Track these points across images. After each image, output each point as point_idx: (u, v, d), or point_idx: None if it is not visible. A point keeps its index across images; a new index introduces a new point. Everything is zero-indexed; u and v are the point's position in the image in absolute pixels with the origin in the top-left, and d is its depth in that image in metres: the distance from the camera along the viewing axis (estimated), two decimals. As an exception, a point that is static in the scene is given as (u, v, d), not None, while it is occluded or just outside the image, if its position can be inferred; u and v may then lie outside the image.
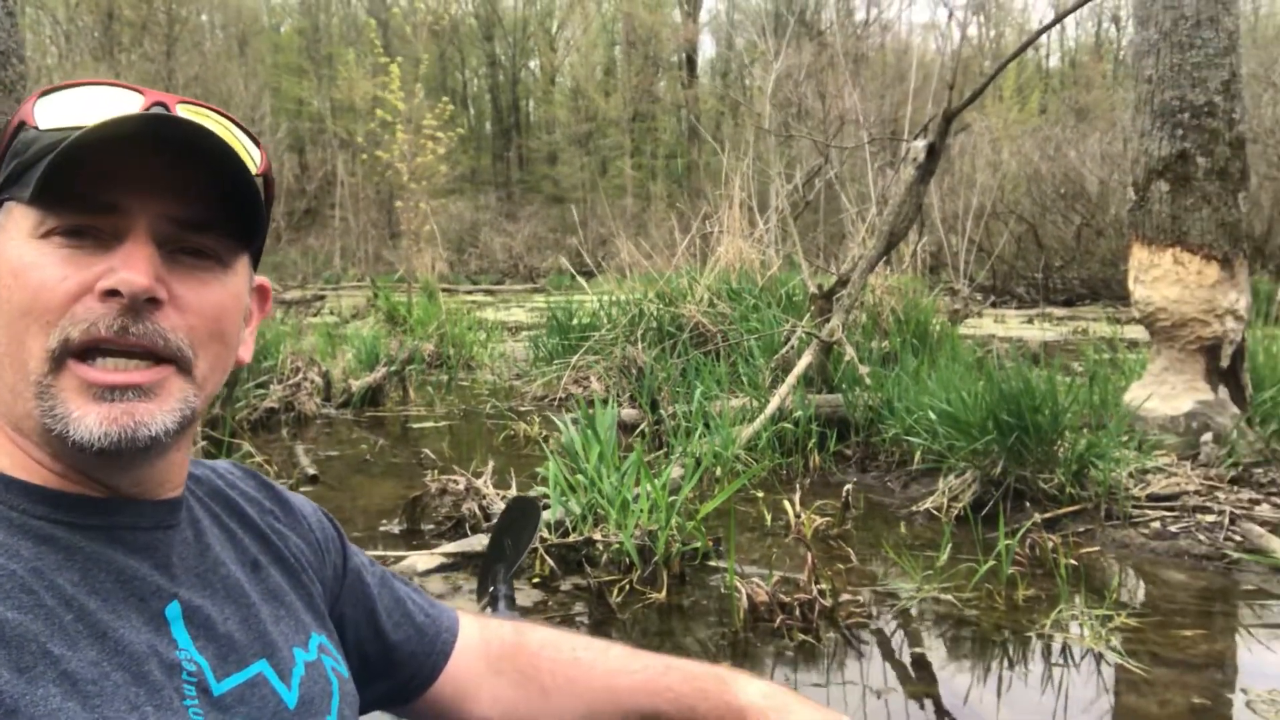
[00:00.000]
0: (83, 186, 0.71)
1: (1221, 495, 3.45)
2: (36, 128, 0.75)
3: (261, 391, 5.62)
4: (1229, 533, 3.16)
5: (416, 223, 12.96)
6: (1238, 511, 3.30)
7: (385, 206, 27.97)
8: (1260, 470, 3.72)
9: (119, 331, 0.70)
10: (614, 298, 6.99)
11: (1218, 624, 2.63)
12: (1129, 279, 4.33)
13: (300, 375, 5.92)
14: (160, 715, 0.68)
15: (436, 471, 3.77)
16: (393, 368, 6.42)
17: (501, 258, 27.07)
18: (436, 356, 7.91)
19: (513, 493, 3.43)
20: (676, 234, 8.03)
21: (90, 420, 0.70)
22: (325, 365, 6.25)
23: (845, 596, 2.62)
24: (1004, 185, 15.18)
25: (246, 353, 0.86)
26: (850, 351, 4.63)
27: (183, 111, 0.78)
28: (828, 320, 4.89)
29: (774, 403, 4.27)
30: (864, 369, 4.54)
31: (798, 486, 3.64)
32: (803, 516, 3.30)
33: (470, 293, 19.27)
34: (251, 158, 0.82)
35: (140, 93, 0.77)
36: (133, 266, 0.70)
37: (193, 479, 0.87)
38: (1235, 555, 3.02)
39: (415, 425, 5.65)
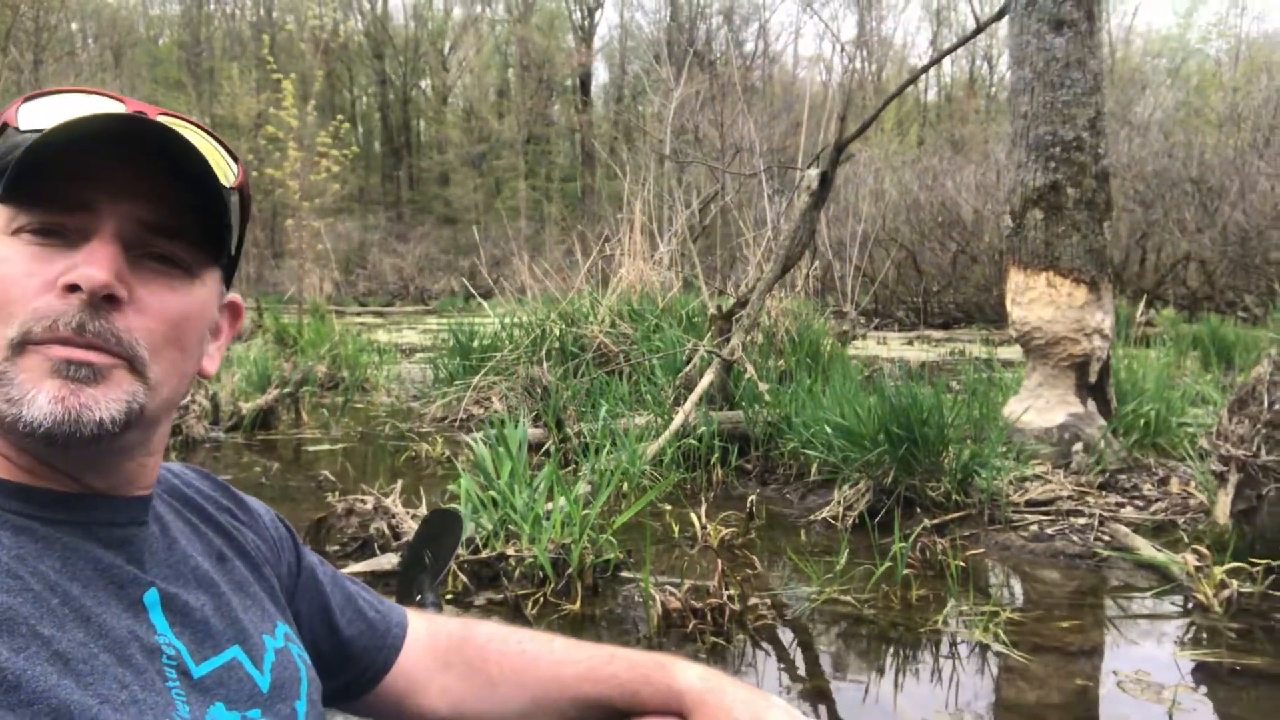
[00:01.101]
0: (54, 185, 0.72)
1: (1091, 500, 3.72)
2: (18, 129, 0.76)
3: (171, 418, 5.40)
4: (1098, 533, 3.42)
5: (306, 243, 12.65)
6: (1106, 514, 3.57)
7: (267, 225, 27.12)
8: (1124, 476, 4.03)
9: (77, 328, 0.71)
10: (516, 318, 7.01)
11: (1090, 616, 2.85)
12: (1006, 300, 4.63)
13: (187, 397, 5.72)
14: (147, 694, 0.71)
15: (338, 493, 3.72)
16: (285, 389, 6.26)
17: (392, 279, 26.58)
18: (330, 379, 7.75)
19: (423, 511, 3.43)
20: (578, 256, 8.10)
21: (41, 399, 0.71)
22: (213, 387, 6.06)
23: (753, 601, 2.73)
24: (886, 214, 15.84)
25: (211, 365, 0.87)
26: (751, 369, 4.79)
27: (161, 120, 0.80)
28: (728, 340, 5.04)
29: (678, 419, 4.38)
30: (763, 386, 4.71)
31: (703, 500, 3.75)
32: (709, 527, 3.42)
33: (360, 314, 18.87)
34: (228, 170, 0.84)
35: (122, 101, 0.79)
36: (94, 263, 0.72)
37: None
38: (1104, 553, 3.27)
39: (310, 448, 5.53)
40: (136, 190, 0.74)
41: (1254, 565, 2.90)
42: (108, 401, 0.73)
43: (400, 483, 3.71)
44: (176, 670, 0.75)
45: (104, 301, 0.72)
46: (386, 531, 3.27)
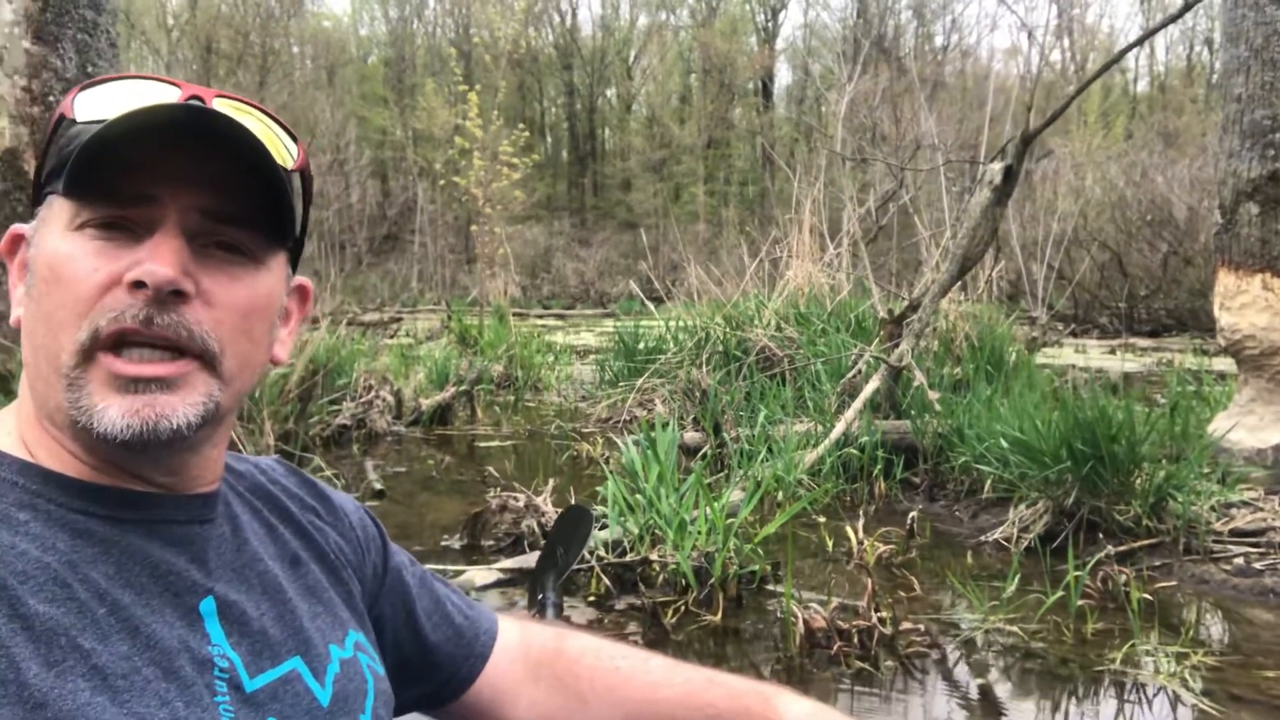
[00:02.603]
0: (115, 178, 0.71)
1: (1313, 532, 3.27)
2: (75, 120, 0.75)
3: (335, 408, 5.76)
4: (1320, 572, 2.99)
5: (491, 248, 13.18)
6: (1330, 550, 3.12)
7: (462, 232, 28.54)
8: (1356, 507, 3.52)
9: (144, 322, 0.70)
10: (681, 322, 6.99)
11: (1305, 667, 2.49)
12: (1215, 305, 4.16)
13: (373, 393, 6.05)
14: (190, 711, 0.68)
15: (499, 489, 3.80)
16: (461, 387, 6.51)
17: (573, 283, 27.32)
18: (505, 378, 8.02)
19: (572, 511, 3.44)
20: (745, 258, 7.99)
21: (113, 412, 0.70)
22: (397, 384, 6.38)
23: (906, 625, 2.55)
24: (1087, 212, 14.77)
25: (283, 351, 0.85)
26: (920, 377, 4.53)
27: (219, 105, 0.78)
28: (897, 345, 4.80)
29: (840, 427, 4.20)
30: (934, 395, 4.44)
31: (861, 513, 3.56)
32: (865, 543, 3.24)
33: (541, 317, 19.50)
34: (288, 153, 0.82)
35: (178, 86, 0.78)
36: (159, 258, 0.70)
37: (234, 474, 0.88)
38: (1327, 596, 2.86)
39: (481, 444, 5.72)
40: (198, 179, 0.73)
41: None
42: (186, 407, 0.72)
43: (553, 481, 3.75)
44: (228, 684, 0.73)
45: (171, 296, 0.71)
46: (536, 529, 3.31)
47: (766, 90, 39.70)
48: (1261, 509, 3.45)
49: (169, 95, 0.77)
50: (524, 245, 25.66)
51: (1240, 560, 3.13)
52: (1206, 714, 2.16)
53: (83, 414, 0.71)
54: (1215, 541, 3.24)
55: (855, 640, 2.45)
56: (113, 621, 0.68)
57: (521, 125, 14.79)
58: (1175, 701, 2.23)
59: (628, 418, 6.00)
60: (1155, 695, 2.27)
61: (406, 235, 29.72)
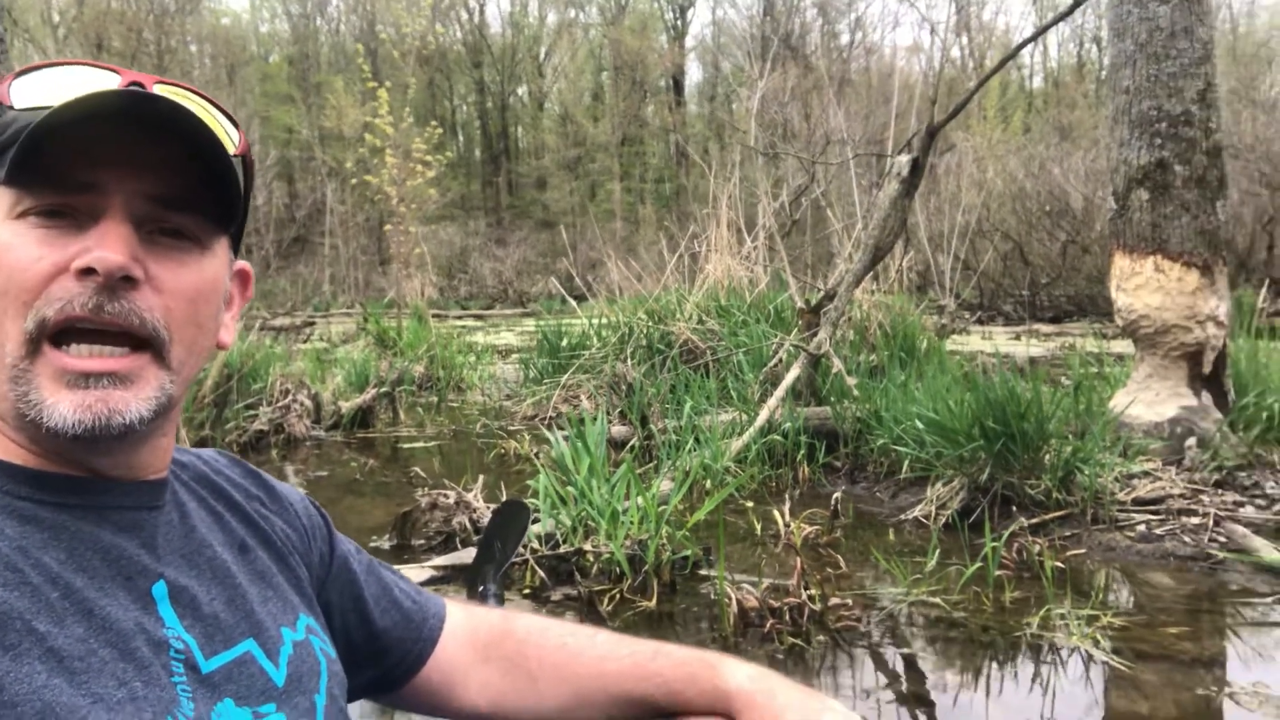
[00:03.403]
0: (58, 165, 0.70)
1: (1206, 498, 3.48)
2: (12, 107, 0.74)
3: (251, 413, 5.62)
4: (1213, 534, 3.19)
5: (406, 248, 12.99)
6: (1222, 513, 3.33)
7: (374, 233, 28.00)
8: (1243, 473, 3.76)
9: (94, 310, 0.70)
10: (604, 318, 7.02)
11: (1203, 623, 2.65)
12: (1111, 287, 4.38)
13: (290, 397, 5.91)
14: (149, 691, 0.68)
15: (428, 488, 3.77)
16: (383, 389, 6.42)
17: (491, 282, 27.08)
18: (426, 378, 7.92)
19: (503, 506, 3.44)
20: (665, 254, 8.07)
21: (63, 407, 0.69)
22: (315, 388, 6.25)
23: (834, 601, 2.63)
24: (989, 204, 15.30)
25: (228, 336, 0.85)
26: (838, 364, 4.66)
27: (160, 90, 0.77)
28: (815, 334, 4.92)
29: (763, 415, 4.29)
30: (852, 381, 4.57)
31: (787, 497, 3.65)
32: (792, 525, 3.33)
33: (460, 317, 19.28)
34: (230, 138, 0.82)
35: (117, 72, 0.77)
36: (109, 245, 0.70)
37: (178, 465, 0.88)
38: (1220, 556, 3.05)
39: (405, 446, 5.65)
40: (142, 166, 0.73)
41: (1392, 569, 2.65)
42: (138, 402, 0.72)
43: (484, 478, 3.74)
44: (184, 664, 0.73)
45: (120, 283, 0.71)
46: (468, 525, 3.30)
47: (678, 87, 39.99)
48: (1160, 478, 3.66)
49: (108, 81, 0.76)
50: (439, 245, 25.31)
51: (1143, 527, 3.31)
52: (1116, 671, 2.29)
53: (31, 408, 0.70)
54: (1120, 510, 3.42)
55: (787, 618, 2.52)
56: (67, 605, 0.67)
57: (434, 123, 14.60)
58: (1088, 661, 2.36)
59: (553, 414, 6.00)
60: (1070, 656, 2.39)
61: (316, 237, 29.01)
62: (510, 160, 42.90)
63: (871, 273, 5.63)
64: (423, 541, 3.40)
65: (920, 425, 3.84)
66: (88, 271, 0.70)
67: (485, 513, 3.31)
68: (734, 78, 31.53)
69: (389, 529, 3.52)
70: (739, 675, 1.00)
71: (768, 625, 2.50)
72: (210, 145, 0.74)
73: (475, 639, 1.08)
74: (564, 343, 7.08)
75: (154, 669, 0.70)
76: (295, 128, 31.88)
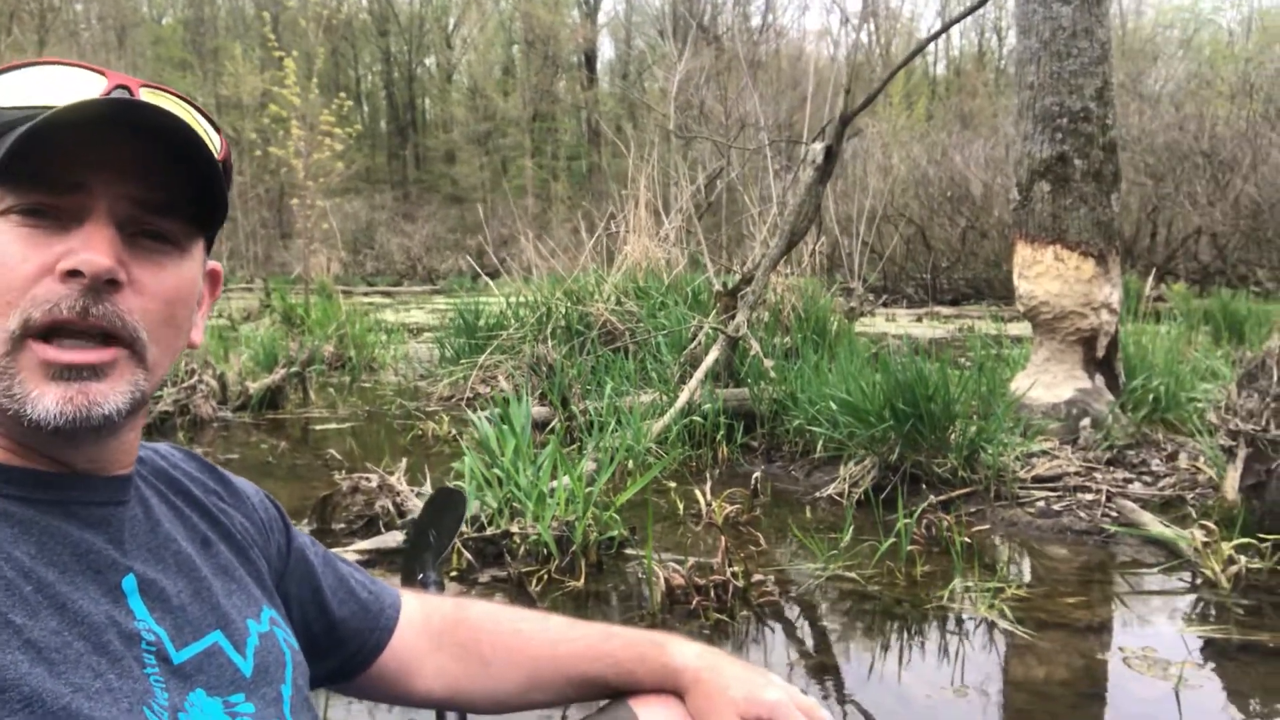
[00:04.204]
0: (46, 166, 0.71)
1: (1099, 475, 3.70)
2: None
3: (154, 395, 5.43)
4: (1105, 509, 3.40)
5: (312, 222, 12.64)
6: (1113, 490, 3.55)
7: (275, 206, 27.12)
8: (1132, 451, 4.01)
9: (80, 313, 0.71)
10: (521, 297, 6.99)
11: (1096, 592, 2.84)
12: (1014, 275, 4.59)
13: (195, 378, 5.73)
14: (123, 682, 0.70)
15: (345, 472, 3.73)
16: (293, 369, 6.27)
17: (399, 259, 26.55)
18: (337, 358, 7.77)
19: (427, 489, 3.43)
20: (583, 233, 8.06)
21: (47, 400, 0.71)
22: (220, 367, 6.07)
23: (757, 577, 2.72)
24: (894, 189, 15.73)
25: (198, 335, 0.87)
26: (755, 346, 4.76)
27: (145, 95, 0.79)
28: (733, 317, 5.01)
29: (683, 397, 4.37)
30: (768, 363, 4.68)
31: (708, 477, 3.74)
32: (713, 505, 3.41)
33: (367, 294, 18.87)
34: (212, 143, 0.83)
35: (102, 73, 0.78)
36: (95, 248, 0.71)
37: (138, 460, 0.88)
38: (1111, 530, 3.25)
39: (318, 427, 5.55)
40: (128, 170, 0.74)
41: (1262, 541, 2.88)
42: (116, 395, 0.73)
43: (405, 461, 3.71)
44: (156, 656, 0.74)
45: (105, 286, 0.72)
46: (391, 509, 3.28)
47: (590, 64, 39.75)
48: (1058, 457, 3.87)
49: (94, 82, 0.78)
50: (344, 219, 24.66)
51: (1042, 504, 3.51)
52: (1018, 639, 2.43)
53: (14, 402, 0.71)
54: (1020, 488, 3.62)
55: (712, 594, 2.60)
56: (40, 598, 0.69)
57: (343, 94, 14.19)
58: (992, 630, 2.50)
59: (471, 395, 5.97)
60: (977, 627, 2.53)
61: (214, 209, 27.82)
62: (418, 133, 42.01)
63: (785, 256, 5.75)
64: (344, 525, 3.37)
65: (834, 406, 3.97)
66: (74, 274, 0.71)
67: (409, 496, 3.30)
68: (649, 55, 31.49)
69: (308, 513, 3.47)
70: (686, 653, 1.06)
71: (694, 602, 2.57)
72: (197, 151, 0.76)
73: (429, 627, 1.11)
74: (480, 322, 7.03)
75: (126, 661, 0.71)
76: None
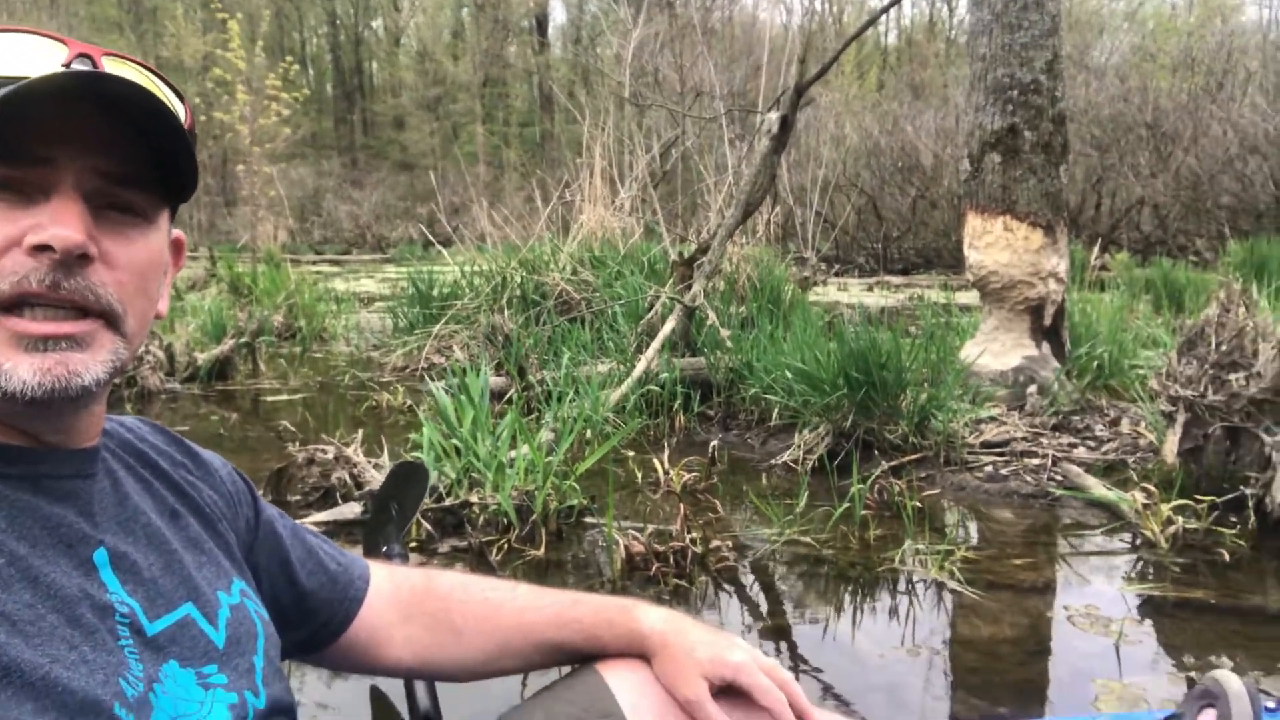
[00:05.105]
0: (11, 139, 0.70)
1: (1045, 440, 3.81)
2: None
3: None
4: (1051, 473, 3.51)
5: (258, 189, 12.37)
6: (1059, 454, 3.66)
7: (218, 172, 26.42)
8: (1077, 417, 4.12)
9: (50, 286, 0.70)
10: (476, 266, 6.94)
11: (1042, 553, 2.93)
12: (964, 245, 4.67)
13: (141, 348, 5.61)
14: (97, 655, 0.70)
15: (299, 443, 3.69)
16: (242, 339, 6.17)
17: (348, 226, 26.10)
18: (287, 329, 7.65)
19: (384, 460, 3.42)
20: (537, 202, 8.00)
21: (23, 371, 0.70)
22: (167, 338, 5.95)
23: (715, 543, 2.77)
24: (846, 159, 15.82)
25: (164, 305, 0.87)
26: (712, 316, 4.80)
27: (109, 65, 0.78)
28: (689, 287, 5.04)
29: (641, 366, 4.39)
30: (725, 332, 4.72)
31: (665, 445, 3.77)
32: (671, 473, 3.45)
33: (316, 263, 18.53)
34: (177, 111, 0.82)
35: (64, 43, 0.77)
36: (65, 222, 0.71)
37: (105, 433, 0.88)
38: (1057, 493, 3.36)
39: (269, 398, 5.47)
40: (95, 142, 0.73)
41: (1199, 502, 2.99)
42: (95, 365, 0.73)
43: (361, 432, 3.69)
44: (130, 628, 0.75)
45: (76, 260, 0.71)
46: (349, 481, 3.26)
47: (542, 28, 39.21)
48: (1005, 423, 3.97)
49: (55, 52, 0.77)
50: (290, 186, 24.09)
51: (990, 468, 3.61)
52: (967, 599, 2.51)
53: None
54: (969, 453, 3.71)
55: (671, 561, 2.64)
56: (13, 572, 0.69)
57: (289, 58, 13.85)
58: (942, 591, 2.58)
59: (426, 365, 5.93)
60: (927, 588, 2.61)
61: (154, 175, 27.03)
62: (365, 98, 41.20)
63: (741, 226, 5.78)
64: (299, 497, 3.34)
65: (789, 375, 4.03)
66: (43, 248, 0.71)
67: (366, 468, 3.28)
68: (603, 20, 31.11)
69: (263, 485, 3.43)
70: (652, 618, 1.09)
71: (653, 569, 2.61)
72: (164, 122, 0.75)
73: (399, 598, 1.12)
74: (434, 292, 6.96)
75: (100, 634, 0.72)
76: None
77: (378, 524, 2.16)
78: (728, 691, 1.05)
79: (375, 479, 3.17)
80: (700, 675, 1.03)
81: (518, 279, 6.40)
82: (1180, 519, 2.92)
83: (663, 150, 9.42)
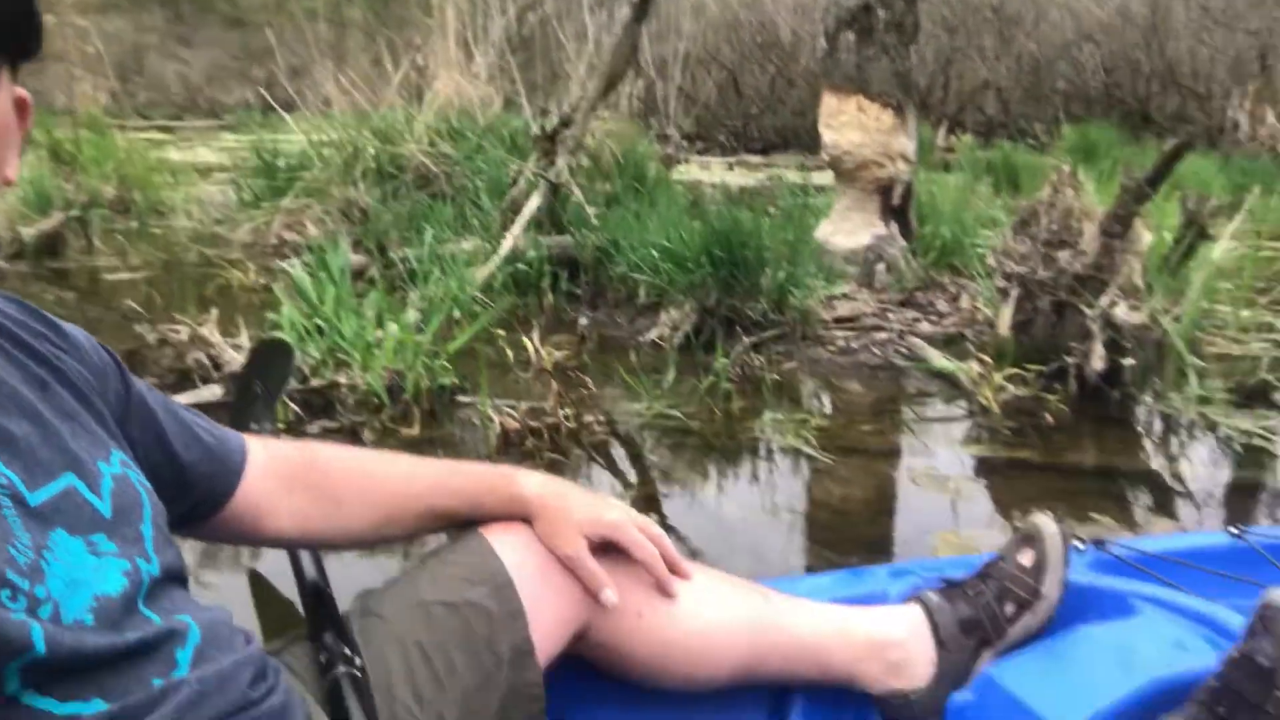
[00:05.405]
0: None
1: (892, 315, 4.05)
2: None
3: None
4: (897, 346, 3.75)
5: (72, 43, 11.19)
6: (904, 329, 3.91)
7: (22, 23, 23.60)
8: (921, 293, 4.39)
9: None
10: (325, 136, 6.58)
11: (888, 420, 3.18)
12: (820, 124, 4.77)
13: (-49, 222, 5.12)
14: None
15: (148, 324, 3.52)
16: (72, 213, 5.71)
17: (177, 90, 24.02)
18: (120, 202, 7.09)
19: (243, 341, 3.30)
20: (386, 65, 7.58)
21: None
22: (-20, 210, 5.44)
23: (587, 418, 2.86)
24: (706, 33, 15.61)
25: (13, 172, 0.80)
26: (578, 193, 4.76)
27: None
28: (553, 162, 4.96)
29: (507, 244, 4.35)
30: (591, 210, 4.71)
31: (535, 325, 3.79)
32: (542, 352, 3.49)
33: (143, 129, 17.04)
34: None
35: None
36: None
37: None
38: (902, 364, 3.61)
39: (108, 277, 5.14)
40: None
41: (1028, 371, 3.29)
42: None
43: (215, 312, 3.53)
44: (11, 499, 0.73)
45: None
46: (206, 362, 3.14)
47: (385, -125, 36.18)
48: (856, 299, 4.19)
49: None
50: (107, 41, 21.88)
51: (842, 342, 3.82)
52: (822, 464, 2.71)
53: None
54: (824, 329, 3.91)
55: (545, 436, 2.72)
56: None
57: (98, -106, 12.32)
58: (799, 457, 2.76)
59: (277, 242, 5.67)
60: (786, 454, 2.79)
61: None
62: (188, -57, 37.30)
63: (604, 99, 5.69)
64: (154, 380, 3.20)
65: (655, 254, 4.09)
66: None
67: (225, 348, 3.17)
68: None
69: (112, 368, 3.27)
70: (533, 483, 1.15)
71: (528, 444, 2.68)
72: None
73: (279, 469, 1.11)
74: (281, 163, 6.58)
75: None
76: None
77: (244, 404, 2.11)
78: (605, 548, 1.13)
79: (235, 360, 3.07)
80: (579, 534, 1.10)
81: (371, 150, 6.12)
82: (1011, 387, 3.20)
83: (520, 13, 9.05)
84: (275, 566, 2.04)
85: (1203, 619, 1.26)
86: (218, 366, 3.14)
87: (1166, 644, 1.22)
